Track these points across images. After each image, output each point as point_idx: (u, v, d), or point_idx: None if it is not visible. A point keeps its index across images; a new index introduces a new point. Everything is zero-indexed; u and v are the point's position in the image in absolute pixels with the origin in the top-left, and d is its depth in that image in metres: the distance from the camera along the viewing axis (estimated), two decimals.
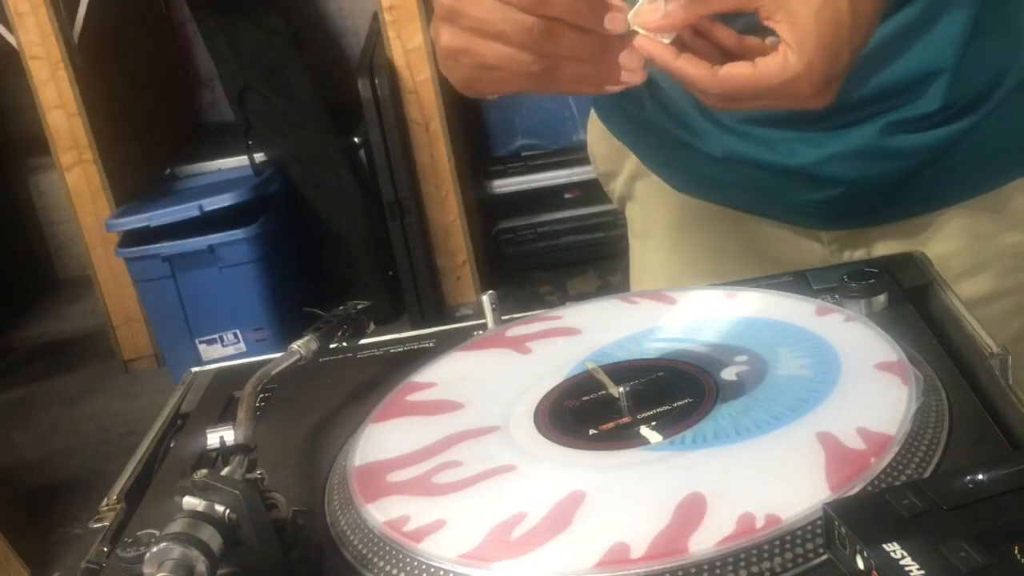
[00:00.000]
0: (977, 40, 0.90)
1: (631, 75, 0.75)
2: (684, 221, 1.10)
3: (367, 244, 3.20)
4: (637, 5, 0.75)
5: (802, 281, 0.88)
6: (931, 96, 0.92)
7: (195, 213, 2.95)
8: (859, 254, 1.02)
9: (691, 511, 0.60)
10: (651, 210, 1.13)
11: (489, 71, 0.75)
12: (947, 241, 0.99)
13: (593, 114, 1.16)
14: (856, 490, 0.60)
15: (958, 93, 0.92)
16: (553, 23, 0.72)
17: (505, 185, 3.37)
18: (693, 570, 0.57)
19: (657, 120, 1.03)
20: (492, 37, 0.72)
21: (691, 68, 0.73)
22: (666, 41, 0.74)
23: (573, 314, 0.89)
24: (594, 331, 0.84)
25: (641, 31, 0.74)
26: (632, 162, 1.12)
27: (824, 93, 0.74)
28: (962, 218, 0.99)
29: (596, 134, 1.16)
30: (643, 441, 0.68)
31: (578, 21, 0.72)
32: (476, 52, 0.74)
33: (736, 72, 0.73)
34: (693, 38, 0.75)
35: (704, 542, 0.58)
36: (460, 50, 0.74)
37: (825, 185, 0.96)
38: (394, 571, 0.62)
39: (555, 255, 3.40)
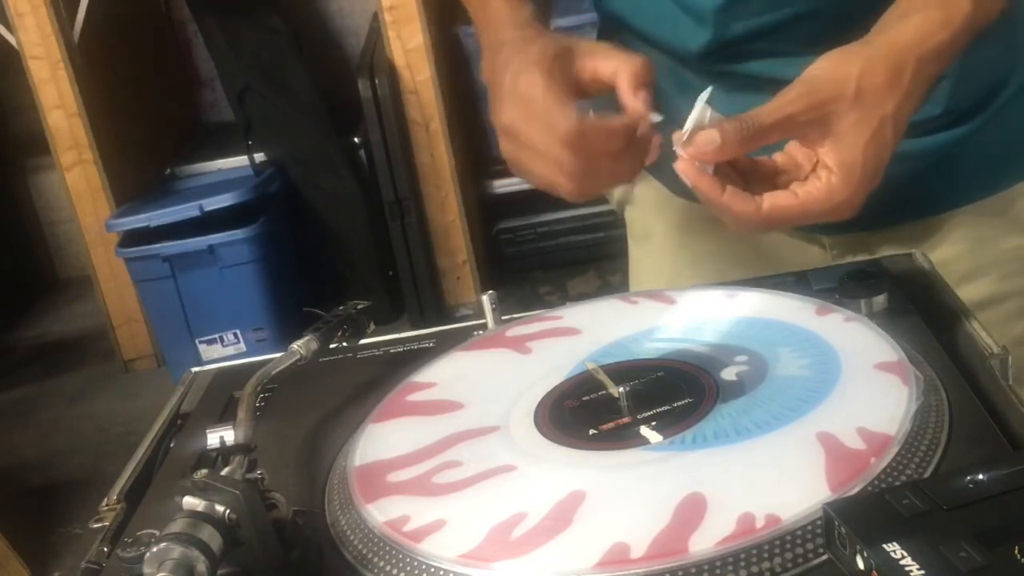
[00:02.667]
0: (979, 46, 0.90)
1: (651, 157, 0.82)
2: (683, 225, 1.10)
3: (367, 244, 3.20)
4: (688, 128, 0.75)
5: (802, 281, 0.88)
6: (933, 101, 0.92)
7: (195, 213, 2.94)
8: (861, 258, 1.02)
9: (691, 511, 0.60)
10: (650, 214, 1.13)
11: (533, 178, 0.84)
12: (949, 245, 0.99)
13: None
14: (856, 490, 0.60)
15: (960, 98, 0.92)
16: (589, 158, 0.80)
17: (505, 185, 3.36)
18: (693, 570, 0.57)
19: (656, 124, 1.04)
20: (538, 159, 0.81)
21: (738, 205, 0.75)
22: (709, 170, 0.76)
23: (573, 314, 0.89)
24: (594, 331, 0.84)
25: (687, 157, 0.76)
26: None
27: (854, 212, 0.77)
28: (964, 222, 0.98)
29: None
30: (643, 441, 0.68)
31: (613, 147, 0.80)
32: (524, 167, 0.84)
33: (781, 204, 0.75)
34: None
35: (704, 542, 0.58)
36: (512, 160, 0.85)
37: None
38: (394, 571, 0.62)
39: (555, 255, 3.40)
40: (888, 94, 0.75)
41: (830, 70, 0.76)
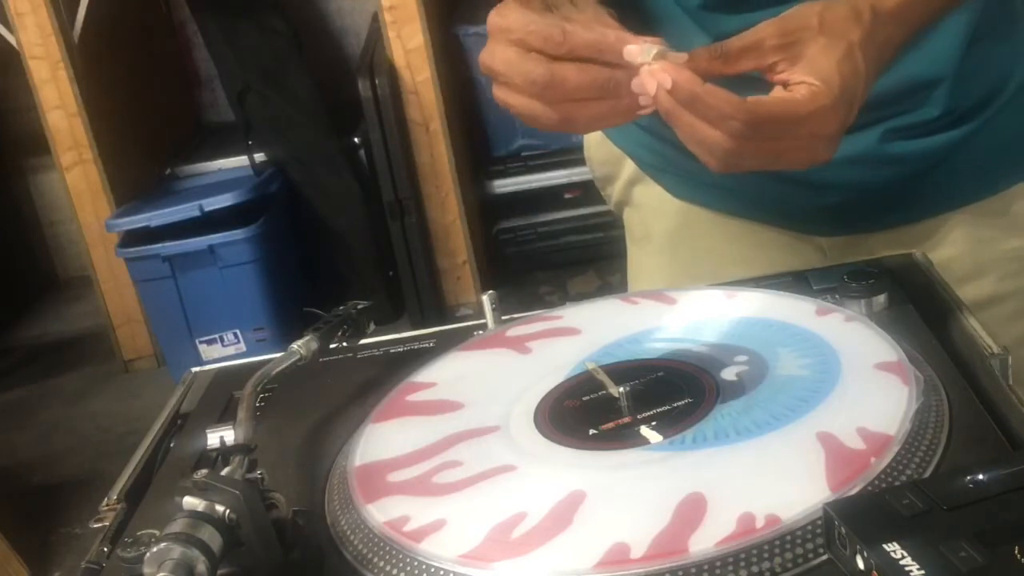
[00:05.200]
0: (977, 47, 0.90)
1: (648, 99, 0.75)
2: (682, 226, 1.10)
3: (367, 244, 3.20)
4: (652, 52, 0.73)
5: (802, 281, 0.88)
6: (932, 103, 0.92)
7: (195, 213, 2.94)
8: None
9: (691, 511, 0.60)
10: (649, 215, 1.13)
11: (522, 117, 0.77)
12: (948, 246, 0.99)
13: None
14: (856, 490, 0.60)
15: (959, 100, 0.92)
16: (556, 72, 0.73)
17: (505, 185, 3.36)
18: (693, 570, 0.57)
19: (654, 124, 1.03)
20: (513, 89, 0.75)
21: (720, 93, 0.71)
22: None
23: (573, 314, 0.89)
24: (594, 331, 0.84)
25: (655, 65, 0.73)
26: (629, 167, 1.12)
27: (836, 139, 0.75)
28: (963, 223, 0.98)
29: (593, 138, 1.16)
30: (643, 441, 0.68)
31: (599, 56, 0.74)
32: (507, 102, 0.77)
33: (765, 100, 0.73)
34: None
35: (704, 542, 0.58)
36: (500, 99, 0.78)
37: (824, 191, 0.96)
38: (394, 571, 0.62)
39: (555, 255, 3.40)
40: (851, 25, 0.75)
41: (795, 8, 0.76)
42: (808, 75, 0.73)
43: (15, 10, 2.96)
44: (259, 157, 3.17)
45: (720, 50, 0.74)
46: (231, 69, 3.21)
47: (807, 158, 0.75)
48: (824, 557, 0.57)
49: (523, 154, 3.38)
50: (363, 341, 0.90)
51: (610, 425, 0.70)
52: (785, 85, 0.74)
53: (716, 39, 0.91)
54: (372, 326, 0.90)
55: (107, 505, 0.75)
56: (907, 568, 0.51)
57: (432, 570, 0.61)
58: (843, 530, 0.55)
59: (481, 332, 0.89)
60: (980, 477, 0.57)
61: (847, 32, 0.74)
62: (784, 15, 0.76)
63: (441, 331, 0.93)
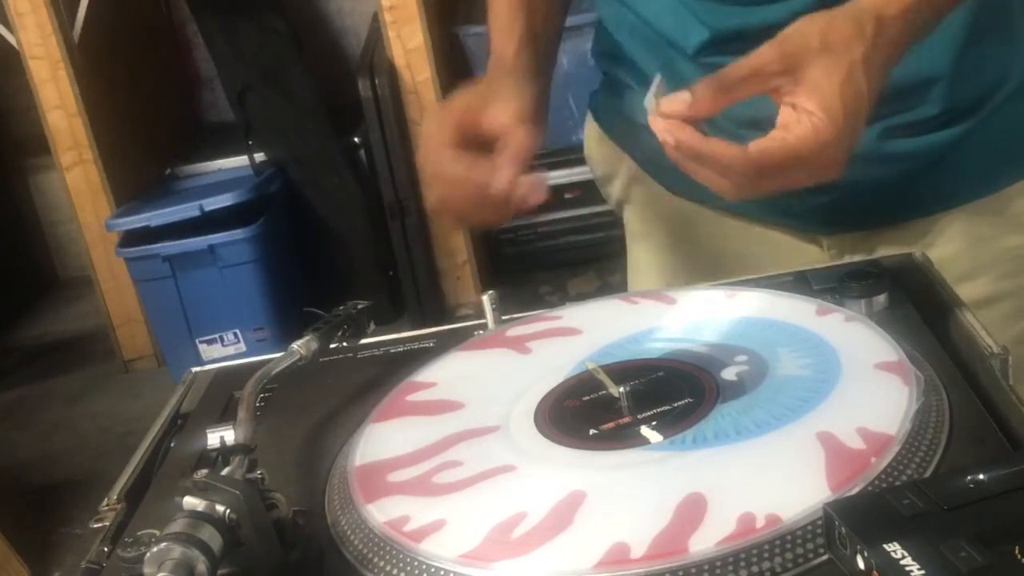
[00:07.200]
0: (975, 45, 0.90)
1: (536, 195, 0.88)
2: (682, 225, 1.10)
3: (367, 244, 3.20)
4: (650, 99, 0.75)
5: (802, 281, 0.88)
6: (930, 102, 0.92)
7: (195, 213, 2.94)
8: (859, 258, 1.02)
9: (691, 511, 0.60)
10: (648, 214, 1.13)
11: None
12: (947, 244, 0.99)
13: (590, 117, 1.16)
14: (856, 490, 0.60)
15: (956, 98, 0.92)
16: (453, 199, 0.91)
17: None
18: (693, 570, 0.57)
19: None
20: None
21: (723, 149, 0.73)
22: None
23: (573, 314, 0.89)
24: (594, 331, 0.84)
25: (659, 117, 0.74)
26: (629, 165, 1.12)
27: (843, 162, 0.76)
28: (962, 221, 0.98)
29: (593, 137, 1.16)
30: (643, 441, 0.68)
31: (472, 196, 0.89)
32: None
33: (768, 146, 0.74)
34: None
35: (704, 542, 0.58)
36: None
37: (821, 189, 0.96)
38: (394, 571, 0.62)
39: (555, 255, 3.40)
40: (853, 43, 0.75)
41: (796, 27, 0.76)
42: (811, 101, 0.74)
43: (15, 10, 2.96)
44: (259, 157, 3.17)
45: (720, 82, 0.74)
46: (231, 69, 3.21)
47: (817, 180, 0.77)
48: (824, 557, 0.57)
49: None
50: (363, 341, 0.90)
51: (610, 425, 0.70)
52: (793, 107, 0.74)
53: (714, 33, 0.92)
54: (372, 326, 0.90)
55: (107, 505, 0.75)
56: (907, 568, 0.51)
57: (432, 570, 0.61)
58: (843, 530, 0.55)
59: (481, 332, 0.89)
60: (980, 477, 0.57)
61: (850, 50, 0.74)
62: (784, 35, 0.76)
63: (441, 331, 0.93)
